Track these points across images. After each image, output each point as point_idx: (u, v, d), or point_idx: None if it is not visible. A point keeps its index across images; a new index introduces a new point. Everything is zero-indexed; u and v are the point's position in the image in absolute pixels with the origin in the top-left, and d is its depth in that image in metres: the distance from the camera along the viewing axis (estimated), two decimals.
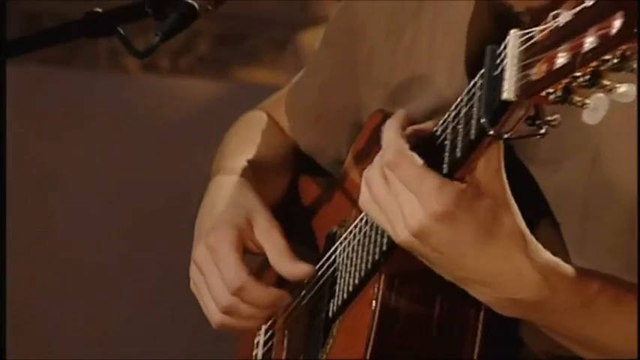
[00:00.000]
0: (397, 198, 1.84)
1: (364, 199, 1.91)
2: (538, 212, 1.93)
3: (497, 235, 1.86)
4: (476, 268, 1.88)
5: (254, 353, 2.34)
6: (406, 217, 1.82)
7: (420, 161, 1.82)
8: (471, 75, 2.01)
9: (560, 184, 2.02)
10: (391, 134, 1.86)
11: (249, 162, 2.30)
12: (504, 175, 1.86)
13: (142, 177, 4.01)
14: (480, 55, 2.00)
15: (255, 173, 2.29)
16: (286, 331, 2.24)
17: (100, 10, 1.95)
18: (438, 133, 1.85)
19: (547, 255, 1.89)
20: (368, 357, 2.02)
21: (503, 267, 1.85)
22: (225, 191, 2.25)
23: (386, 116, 2.12)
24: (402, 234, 1.83)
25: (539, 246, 1.89)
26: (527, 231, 1.87)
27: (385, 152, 1.86)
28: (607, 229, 2.03)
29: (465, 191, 1.84)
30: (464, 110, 1.81)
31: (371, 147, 2.15)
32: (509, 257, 1.87)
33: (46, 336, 4.26)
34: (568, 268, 1.92)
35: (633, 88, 1.61)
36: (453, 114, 1.85)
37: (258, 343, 2.32)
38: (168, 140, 3.95)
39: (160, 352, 3.94)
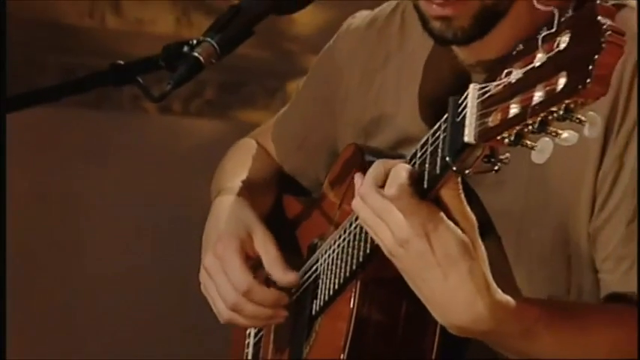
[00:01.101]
0: (389, 214, 1.82)
1: (368, 218, 1.83)
2: (484, 229, 1.92)
3: (461, 270, 1.77)
4: (434, 290, 1.80)
5: (245, 352, 2.34)
6: (394, 231, 1.82)
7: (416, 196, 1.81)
8: (424, 115, 2.05)
9: (501, 205, 1.97)
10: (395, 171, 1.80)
11: (244, 182, 2.30)
12: (468, 209, 1.80)
13: (158, 200, 3.99)
14: (435, 97, 2.03)
15: (249, 193, 2.29)
16: (273, 329, 2.25)
17: (122, 62, 1.96)
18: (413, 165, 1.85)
19: (499, 294, 1.81)
20: (347, 348, 1.96)
21: (461, 299, 1.79)
22: (227, 208, 2.24)
23: (358, 148, 2.12)
24: (388, 242, 1.83)
25: (495, 285, 1.81)
26: (488, 272, 1.80)
27: (390, 186, 1.78)
28: (537, 244, 1.98)
29: (443, 223, 1.80)
30: (430, 149, 1.79)
31: (345, 174, 2.15)
32: (467, 291, 1.79)
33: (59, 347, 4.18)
34: (511, 302, 1.83)
35: (575, 134, 1.55)
36: (420, 153, 1.80)
37: (248, 343, 2.32)
38: (181, 169, 3.94)
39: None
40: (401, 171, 1.78)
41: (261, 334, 2.27)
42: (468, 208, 1.79)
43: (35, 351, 4.04)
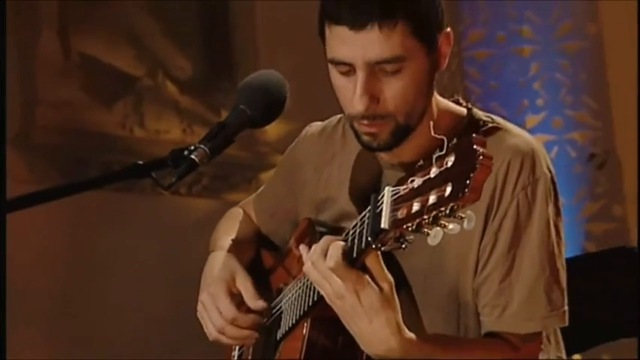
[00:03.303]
0: (330, 277, 1.82)
1: (316, 278, 1.81)
2: (400, 285, 1.92)
3: (381, 317, 1.76)
4: (362, 330, 1.79)
5: None
6: (333, 288, 1.81)
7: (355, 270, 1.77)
8: (355, 199, 2.01)
9: (412, 268, 1.93)
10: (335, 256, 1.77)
11: (233, 241, 2.26)
12: (386, 271, 1.78)
13: (169, 258, 3.97)
14: (363, 186, 2.00)
15: (236, 248, 2.27)
16: (251, 348, 2.22)
17: (141, 162, 1.96)
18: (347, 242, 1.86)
19: (407, 333, 1.79)
20: None
21: (380, 336, 1.77)
22: (219, 260, 2.20)
23: (310, 221, 2.08)
24: (330, 296, 1.78)
25: (404, 327, 1.79)
26: (399, 317, 1.79)
27: (330, 259, 1.76)
28: (437, 296, 1.94)
29: (368, 284, 1.77)
30: (358, 230, 1.77)
31: (302, 238, 2.12)
32: (385, 332, 1.77)
33: None
34: (415, 337, 1.81)
35: (458, 226, 1.57)
36: (352, 232, 1.77)
37: (234, 356, 2.29)
38: (185, 236, 3.90)
39: None
40: (337, 248, 1.76)
41: (241, 351, 2.24)
42: (387, 272, 1.77)
43: None
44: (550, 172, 1.94)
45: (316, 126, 2.18)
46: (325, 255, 1.78)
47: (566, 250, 2.02)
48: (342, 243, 1.78)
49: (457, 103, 2.00)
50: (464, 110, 1.98)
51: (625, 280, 2.26)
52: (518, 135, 1.95)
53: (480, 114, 1.97)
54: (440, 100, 1.97)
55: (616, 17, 4.15)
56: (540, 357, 1.98)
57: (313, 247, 1.83)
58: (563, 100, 4.19)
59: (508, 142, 1.91)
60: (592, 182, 4.15)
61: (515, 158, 1.90)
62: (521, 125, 2.12)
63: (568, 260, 2.02)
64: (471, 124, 1.94)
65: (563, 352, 2.04)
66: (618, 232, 4.12)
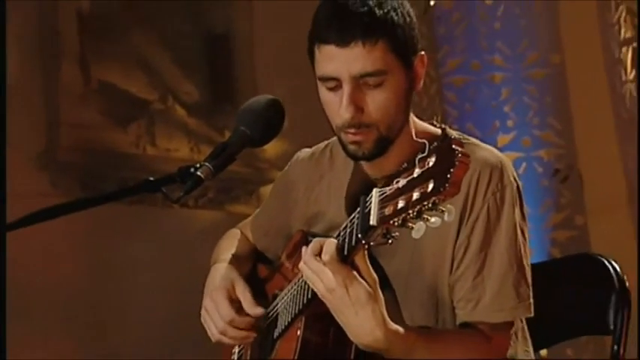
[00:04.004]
0: (322, 272, 1.82)
1: (309, 275, 1.80)
2: (384, 283, 1.91)
3: (367, 309, 1.76)
4: (350, 321, 1.78)
5: None
6: (325, 283, 1.81)
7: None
8: (348, 210, 2.01)
9: (394, 268, 1.93)
10: (329, 253, 1.77)
11: (233, 255, 2.26)
12: (372, 269, 1.78)
13: (178, 265, 3.94)
14: (355, 199, 2.01)
15: (236, 261, 2.26)
16: (250, 347, 2.21)
17: (152, 178, 1.95)
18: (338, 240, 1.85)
19: (391, 325, 1.79)
20: (296, 358, 1.91)
21: (366, 328, 1.77)
22: (220, 271, 2.20)
23: (304, 233, 2.08)
24: (321, 290, 1.78)
25: (388, 319, 1.78)
26: (384, 310, 1.78)
27: (325, 254, 1.77)
28: (417, 292, 1.94)
29: (356, 279, 1.76)
30: (348, 230, 1.76)
31: (295, 249, 2.12)
32: (371, 323, 1.77)
33: None
34: (399, 329, 1.80)
35: (439, 219, 1.57)
36: (342, 232, 1.78)
37: (234, 356, 2.27)
38: (193, 244, 3.87)
39: None
40: (331, 244, 1.76)
41: (241, 350, 2.23)
42: (372, 270, 1.78)
43: None
44: (516, 181, 1.95)
45: (305, 152, 2.19)
46: (317, 254, 1.78)
47: (534, 255, 2.02)
48: (335, 241, 1.77)
49: (432, 124, 2.01)
50: (439, 130, 2.00)
51: (587, 283, 2.26)
52: (487, 149, 1.96)
53: (453, 133, 1.98)
54: (417, 121, 1.99)
55: (577, 48, 4.17)
56: (509, 352, 1.98)
57: (303, 248, 1.83)
58: (531, 121, 4.19)
59: (478, 154, 1.92)
60: (556, 195, 4.15)
61: (485, 169, 1.91)
62: (493, 144, 2.12)
63: (535, 265, 2.02)
64: (445, 137, 1.96)
65: (531, 347, 2.05)
66: (580, 240, 4.12)
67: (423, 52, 1.92)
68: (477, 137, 2.01)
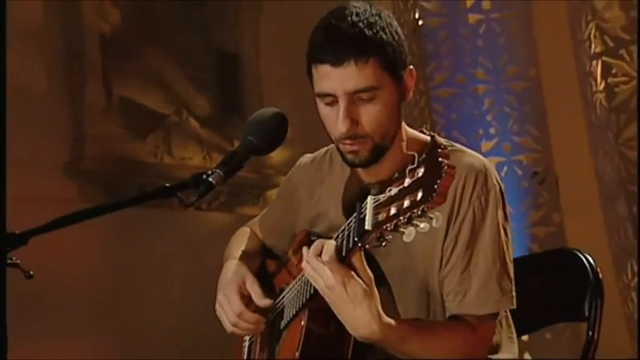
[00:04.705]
0: (322, 271, 1.80)
1: (311, 274, 1.80)
2: (379, 280, 1.90)
3: (364, 305, 1.75)
4: (348, 316, 1.78)
5: (243, 350, 2.29)
6: (325, 281, 1.80)
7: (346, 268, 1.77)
8: (345, 213, 2.00)
9: (389, 266, 1.93)
10: (329, 253, 1.77)
11: (243, 252, 2.25)
12: (367, 269, 1.77)
13: (194, 263, 3.92)
14: (351, 202, 1.98)
15: (246, 258, 2.25)
16: (260, 336, 2.20)
17: (168, 184, 1.94)
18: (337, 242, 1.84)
19: (385, 318, 1.78)
20: (300, 346, 1.90)
21: (363, 322, 1.76)
22: (232, 268, 2.20)
23: (307, 233, 2.08)
24: (322, 287, 1.77)
25: (383, 313, 1.77)
26: (379, 306, 1.77)
27: (325, 254, 1.77)
28: (410, 288, 1.94)
29: (353, 277, 1.76)
30: (346, 233, 1.76)
31: (299, 247, 2.11)
32: (367, 317, 1.76)
33: None
34: (393, 322, 1.80)
35: (427, 225, 1.57)
36: (340, 234, 1.78)
37: (245, 345, 2.27)
38: (206, 244, 3.86)
39: None
40: (330, 246, 1.76)
41: (252, 340, 2.22)
42: (368, 269, 1.78)
43: None
44: (499, 184, 1.94)
45: (307, 157, 2.18)
46: (318, 254, 1.78)
47: (515, 250, 2.01)
48: (334, 243, 1.77)
49: (422, 132, 2.00)
50: (428, 137, 1.99)
51: (564, 275, 2.25)
52: (472, 155, 1.95)
53: (441, 140, 1.98)
54: (408, 130, 1.98)
55: (551, 63, 4.18)
56: (495, 338, 1.97)
57: (304, 248, 1.84)
58: (511, 129, 4.19)
59: (464, 160, 1.91)
60: (535, 195, 4.14)
61: (471, 174, 1.90)
62: (478, 149, 2.12)
63: (517, 259, 2.01)
64: (433, 147, 1.96)
65: (514, 333, 2.05)
66: (556, 235, 4.11)
67: (411, 67, 1.91)
68: (462, 144, 2.00)
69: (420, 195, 1.55)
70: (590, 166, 3.95)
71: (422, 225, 1.58)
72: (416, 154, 1.60)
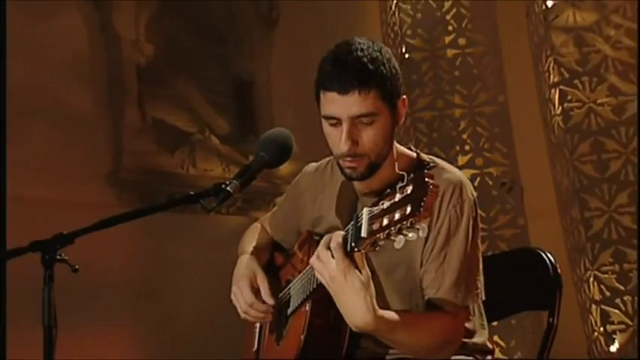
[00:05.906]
0: (328, 262, 1.75)
1: (318, 265, 1.75)
2: (373, 276, 1.87)
3: (360, 295, 1.72)
4: (347, 308, 1.74)
5: (255, 332, 2.28)
6: (329, 271, 1.78)
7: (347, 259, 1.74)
8: (340, 217, 1.99)
9: (380, 263, 1.91)
10: (337, 249, 1.73)
11: (254, 247, 2.22)
12: (367, 267, 1.74)
13: (214, 260, 3.88)
14: (346, 208, 1.97)
15: (257, 252, 2.23)
16: (269, 323, 2.19)
17: (192, 192, 1.93)
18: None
19: (378, 310, 1.74)
20: (305, 330, 1.89)
21: (359, 313, 1.73)
22: (244, 262, 2.18)
23: (309, 232, 2.06)
24: (325, 277, 1.75)
25: (376, 305, 1.74)
26: (374, 298, 1.73)
27: (334, 238, 1.73)
28: (397, 283, 1.93)
29: (354, 270, 1.72)
30: (346, 238, 1.79)
31: (303, 244, 2.10)
32: (363, 309, 1.72)
33: None
34: (385, 313, 1.77)
35: (415, 235, 1.57)
36: (341, 238, 1.78)
37: (255, 331, 2.25)
38: (224, 244, 3.84)
39: None
40: (339, 237, 1.72)
41: (262, 324, 2.21)
42: (367, 267, 1.75)
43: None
44: (473, 196, 1.93)
45: (311, 166, 2.17)
46: (327, 246, 1.74)
47: (485, 248, 2.00)
48: (343, 233, 1.73)
49: (409, 149, 2.00)
50: (414, 154, 1.99)
51: (528, 270, 2.25)
52: (451, 171, 1.95)
53: (424, 156, 1.98)
54: (398, 146, 1.97)
55: (517, 91, 4.21)
56: (469, 325, 1.96)
57: (306, 246, 1.83)
58: (483, 146, 4.20)
59: (444, 176, 1.91)
60: (503, 202, 4.14)
61: (449, 187, 1.90)
62: (455, 163, 2.10)
63: (487, 256, 2.01)
64: (419, 163, 1.96)
65: (485, 320, 2.05)
66: (521, 236, 4.12)
67: (404, 97, 1.91)
68: (442, 158, 2.00)
69: (408, 209, 1.54)
70: (550, 177, 3.96)
71: (410, 234, 1.57)
72: (405, 174, 1.59)
